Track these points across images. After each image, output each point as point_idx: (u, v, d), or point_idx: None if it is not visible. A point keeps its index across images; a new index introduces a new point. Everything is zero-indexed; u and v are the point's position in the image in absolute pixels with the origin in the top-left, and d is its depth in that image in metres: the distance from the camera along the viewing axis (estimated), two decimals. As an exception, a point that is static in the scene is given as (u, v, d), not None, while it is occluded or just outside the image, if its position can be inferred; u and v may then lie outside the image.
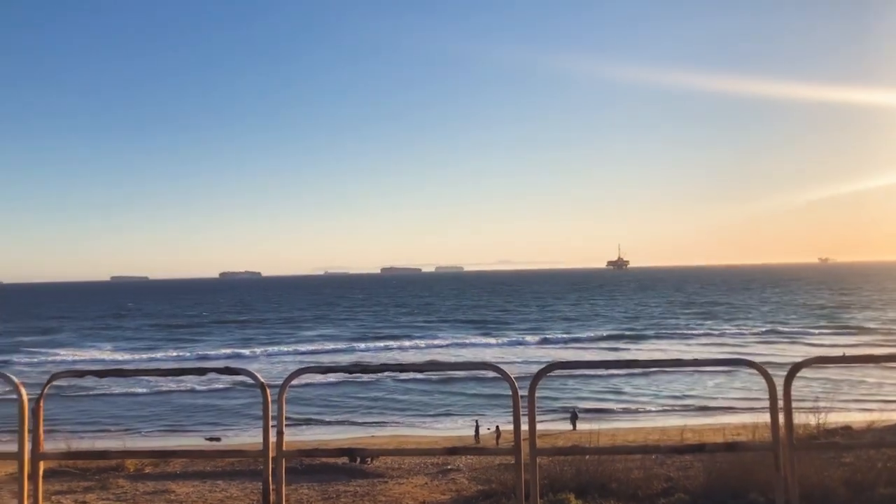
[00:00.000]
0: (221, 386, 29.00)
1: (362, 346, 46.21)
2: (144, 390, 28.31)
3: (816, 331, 48.13)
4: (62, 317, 77.28)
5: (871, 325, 50.13)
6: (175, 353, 43.42)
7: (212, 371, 5.80)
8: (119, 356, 42.70)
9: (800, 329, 49.29)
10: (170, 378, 28.57)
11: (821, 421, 7.92)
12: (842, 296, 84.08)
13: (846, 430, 8.21)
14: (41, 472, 5.57)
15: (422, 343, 46.26)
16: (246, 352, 43.78)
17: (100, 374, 5.98)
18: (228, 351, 44.15)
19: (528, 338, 47.29)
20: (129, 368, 4.65)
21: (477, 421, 21.49)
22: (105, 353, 44.32)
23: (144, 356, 42.34)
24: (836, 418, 8.71)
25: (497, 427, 19.67)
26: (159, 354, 43.29)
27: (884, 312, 59.65)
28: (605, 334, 48.80)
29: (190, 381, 29.70)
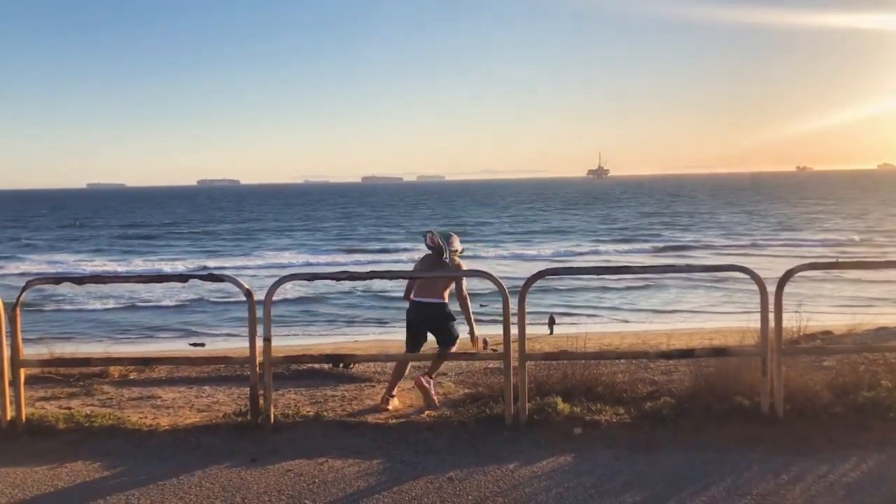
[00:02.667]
0: (199, 294, 28.87)
1: (343, 258, 45.80)
2: (121, 300, 27.89)
3: (796, 237, 48.69)
4: (28, 226, 75.89)
5: (851, 232, 50.80)
6: (152, 263, 42.84)
7: (194, 277, 5.67)
8: (92, 265, 41.90)
9: (783, 238, 49.82)
10: (148, 286, 28.22)
11: (802, 325, 8.01)
12: (822, 204, 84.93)
13: (827, 334, 8.33)
14: (22, 379, 5.49)
15: (406, 255, 45.98)
16: (223, 262, 43.28)
17: (78, 280, 5.83)
18: (204, 261, 43.58)
19: (514, 248, 47.40)
20: (108, 275, 4.50)
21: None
22: (78, 262, 43.61)
23: (119, 266, 41.70)
24: (815, 323, 8.80)
25: (484, 339, 19.84)
26: (135, 262, 42.69)
27: (863, 221, 60.40)
28: (586, 248, 48.78)
29: (168, 290, 29.41)
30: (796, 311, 7.28)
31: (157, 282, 5.63)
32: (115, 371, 7.46)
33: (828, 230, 53.31)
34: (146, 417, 6.03)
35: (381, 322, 26.25)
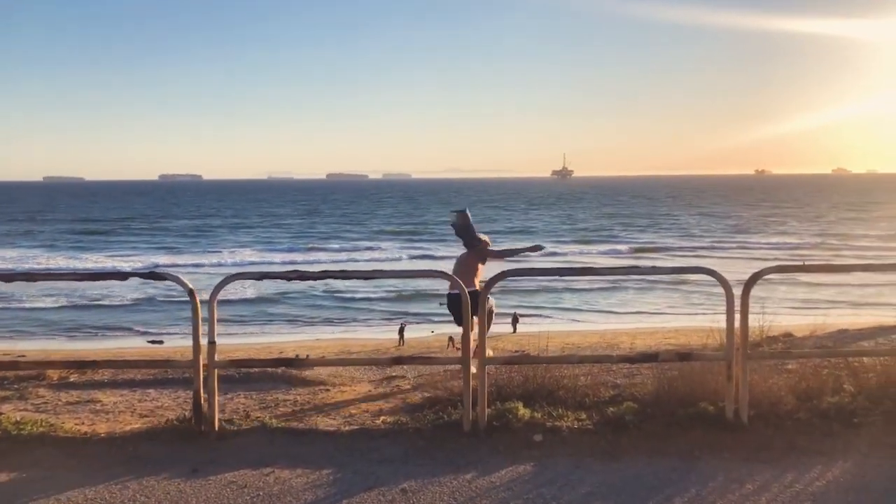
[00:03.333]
0: (157, 292, 28.11)
1: (301, 257, 45.03)
2: (60, 298, 26.86)
3: (756, 241, 49.45)
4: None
5: (811, 235, 51.79)
6: (95, 260, 41.52)
7: (135, 276, 5.33)
8: (34, 262, 40.35)
9: (738, 240, 50.53)
10: (89, 285, 27.23)
11: (764, 326, 7.95)
12: (781, 208, 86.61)
13: (788, 336, 8.29)
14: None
15: (368, 254, 45.46)
16: (177, 259, 42.21)
17: (6, 278, 5.44)
18: (157, 258, 42.45)
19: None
20: (40, 272, 4.16)
21: (403, 323, 21.47)
22: (27, 258, 42.07)
23: (61, 262, 40.29)
24: (775, 325, 8.76)
25: (450, 337, 19.63)
26: (79, 259, 41.35)
27: (820, 225, 61.70)
28: (549, 249, 48.74)
29: (125, 287, 28.54)
30: (760, 313, 7.20)
31: (95, 279, 5.28)
32: (53, 373, 7.05)
33: (784, 233, 54.33)
34: (82, 424, 5.68)
35: (342, 321, 25.89)
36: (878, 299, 25.87)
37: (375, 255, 45.04)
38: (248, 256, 44.04)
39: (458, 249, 7.46)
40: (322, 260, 42.35)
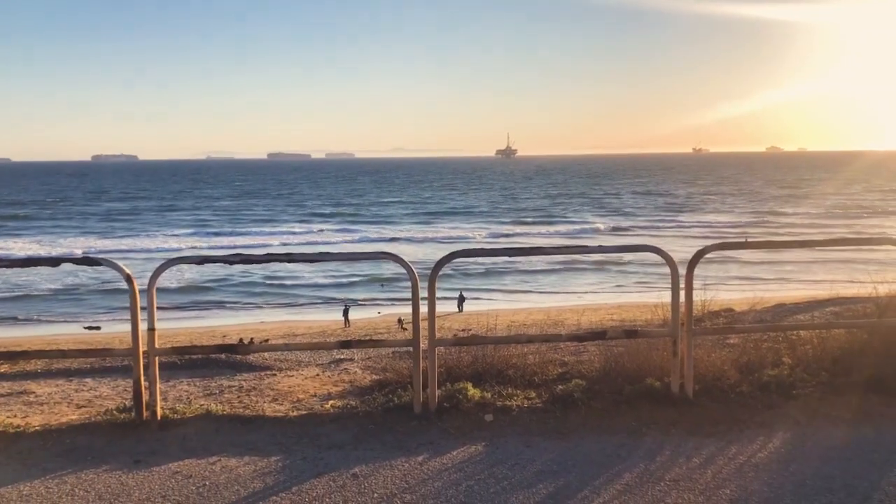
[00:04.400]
0: (91, 279, 27.21)
1: (244, 240, 44.20)
2: None
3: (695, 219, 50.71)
4: None
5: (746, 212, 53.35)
6: (23, 245, 39.94)
7: (67, 261, 5.08)
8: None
9: (680, 220, 51.72)
10: (16, 271, 26.28)
11: (706, 301, 8.13)
12: (718, 185, 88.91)
13: (729, 311, 8.51)
14: None
15: (330, 236, 44.85)
16: (109, 243, 40.89)
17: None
18: (88, 242, 41.05)
19: (418, 230, 47.12)
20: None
21: (346, 305, 21.39)
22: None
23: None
24: (716, 300, 8.98)
25: (399, 318, 19.63)
26: (3, 245, 39.66)
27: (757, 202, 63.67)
28: (490, 229, 49.09)
29: (56, 274, 27.57)
30: (702, 289, 7.35)
31: (25, 266, 5.02)
32: (-19, 364, 6.72)
33: (720, 211, 55.87)
34: (15, 416, 5.42)
35: (285, 304, 25.57)
36: (809, 275, 26.94)
37: (312, 237, 44.50)
38: (184, 241, 42.96)
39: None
40: (254, 245, 41.60)
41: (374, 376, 6.42)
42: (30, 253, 36.56)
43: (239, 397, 5.90)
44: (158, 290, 4.97)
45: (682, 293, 5.31)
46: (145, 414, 4.99)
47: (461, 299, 22.18)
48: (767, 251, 27.79)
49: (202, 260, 5.18)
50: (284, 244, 41.80)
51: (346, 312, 20.36)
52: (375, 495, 4.03)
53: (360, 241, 42.85)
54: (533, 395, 5.54)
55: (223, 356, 6.99)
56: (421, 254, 32.82)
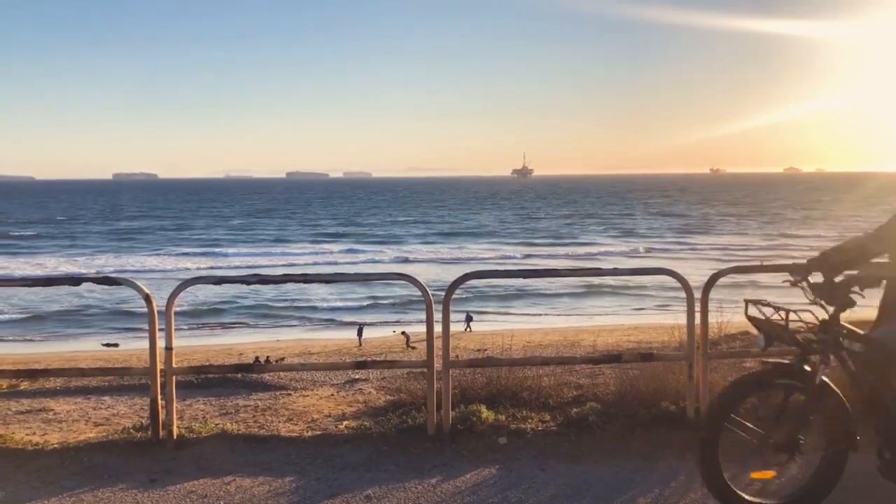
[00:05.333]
0: (107, 298, 27.42)
1: (265, 260, 44.38)
2: (5, 305, 26.10)
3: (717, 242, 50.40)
4: None
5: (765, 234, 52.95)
6: (36, 263, 40.25)
7: (89, 280, 5.17)
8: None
9: (693, 242, 51.45)
10: (38, 289, 26.56)
11: (722, 324, 8.06)
12: (736, 206, 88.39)
13: (745, 334, 8.43)
14: None
15: (340, 257, 44.88)
16: (131, 261, 41.19)
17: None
18: (101, 262, 41.26)
19: (432, 250, 47.07)
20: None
21: (360, 325, 21.46)
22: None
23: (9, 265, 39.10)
24: (732, 322, 8.92)
25: (403, 332, 19.71)
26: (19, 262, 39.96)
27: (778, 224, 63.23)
28: (509, 252, 48.80)
29: (76, 293, 27.78)
30: (718, 311, 7.31)
31: (47, 285, 5.10)
32: (2, 382, 6.81)
33: (737, 234, 55.52)
34: (34, 434, 5.48)
35: (303, 321, 25.67)
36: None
37: (327, 258, 44.41)
38: (195, 261, 43.05)
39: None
40: (265, 265, 41.58)
41: (389, 397, 6.44)
42: (47, 272, 36.95)
43: (254, 417, 5.93)
44: (175, 306, 5.03)
45: (698, 316, 5.30)
46: (162, 433, 5.03)
47: (468, 319, 22.29)
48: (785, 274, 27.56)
49: (219, 280, 5.25)
50: (295, 264, 41.88)
51: (360, 331, 20.47)
52: (389, 517, 4.03)
53: (374, 261, 42.93)
54: (547, 417, 5.53)
55: (239, 375, 7.03)
56: (433, 274, 32.87)
